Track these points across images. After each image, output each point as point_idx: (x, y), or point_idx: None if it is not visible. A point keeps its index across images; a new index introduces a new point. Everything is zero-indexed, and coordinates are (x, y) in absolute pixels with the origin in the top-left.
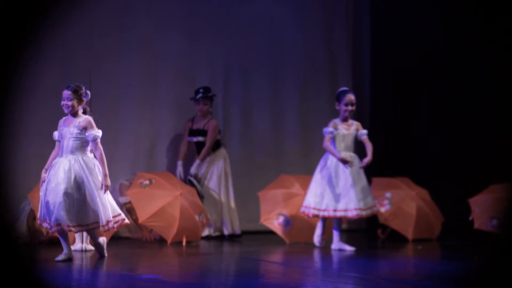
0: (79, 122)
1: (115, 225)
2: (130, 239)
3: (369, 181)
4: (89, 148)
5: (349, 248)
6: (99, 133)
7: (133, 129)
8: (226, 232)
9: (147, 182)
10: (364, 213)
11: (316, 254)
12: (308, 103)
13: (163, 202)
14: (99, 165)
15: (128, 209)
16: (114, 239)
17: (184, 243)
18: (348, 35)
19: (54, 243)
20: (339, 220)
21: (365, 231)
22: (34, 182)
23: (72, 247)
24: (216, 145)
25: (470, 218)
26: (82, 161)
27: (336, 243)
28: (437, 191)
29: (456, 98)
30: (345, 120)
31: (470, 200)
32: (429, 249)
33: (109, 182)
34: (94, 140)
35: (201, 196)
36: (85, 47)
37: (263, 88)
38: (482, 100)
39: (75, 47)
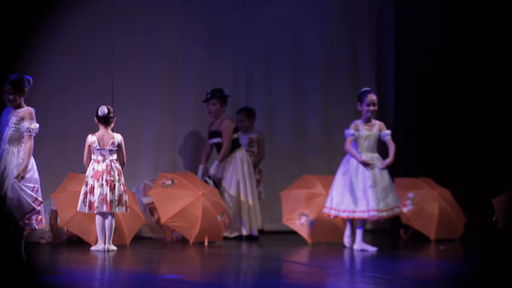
0: (18, 113)
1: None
2: (152, 239)
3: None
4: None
5: (371, 249)
6: (33, 125)
7: (155, 129)
8: (244, 233)
9: (169, 182)
10: (385, 214)
11: (339, 254)
12: (330, 104)
13: (185, 202)
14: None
15: (150, 209)
16: (136, 239)
17: (206, 243)
18: (371, 36)
19: (73, 242)
20: (362, 220)
21: (387, 232)
22: (56, 182)
23: (94, 247)
24: (234, 145)
25: (494, 218)
26: (16, 153)
27: (358, 243)
28: (459, 191)
29: (479, 98)
30: (367, 120)
31: (494, 200)
32: (451, 249)
33: (25, 174)
34: (28, 131)
35: None
36: (108, 48)
37: (285, 90)
38: (507, 100)
39: (98, 48)
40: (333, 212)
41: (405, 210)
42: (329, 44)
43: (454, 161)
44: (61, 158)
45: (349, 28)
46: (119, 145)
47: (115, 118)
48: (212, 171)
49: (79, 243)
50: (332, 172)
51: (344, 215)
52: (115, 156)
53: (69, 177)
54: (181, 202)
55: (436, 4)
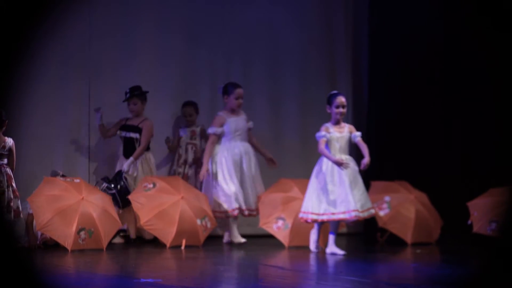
0: None
1: None
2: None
3: (368, 184)
4: None
5: (339, 252)
6: None
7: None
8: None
9: (151, 186)
10: (361, 215)
11: (315, 258)
12: (307, 107)
13: (163, 205)
14: None
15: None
16: (113, 242)
17: (183, 247)
18: (347, 37)
19: (50, 247)
20: (336, 224)
21: (364, 235)
22: (32, 186)
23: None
24: (149, 147)
25: (469, 221)
26: None
27: (330, 247)
28: (435, 195)
29: (455, 101)
30: (336, 122)
31: (469, 203)
32: (428, 253)
33: None
34: None
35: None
36: (85, 49)
37: (263, 91)
38: (482, 102)
39: (75, 49)
40: (310, 216)
41: (381, 213)
42: (306, 45)
43: (430, 164)
44: (37, 162)
45: (325, 29)
46: (10, 149)
47: (6, 121)
48: (126, 167)
49: (55, 247)
50: (310, 176)
51: (323, 218)
52: (5, 161)
53: (46, 181)
54: (159, 205)
55: (412, 5)
